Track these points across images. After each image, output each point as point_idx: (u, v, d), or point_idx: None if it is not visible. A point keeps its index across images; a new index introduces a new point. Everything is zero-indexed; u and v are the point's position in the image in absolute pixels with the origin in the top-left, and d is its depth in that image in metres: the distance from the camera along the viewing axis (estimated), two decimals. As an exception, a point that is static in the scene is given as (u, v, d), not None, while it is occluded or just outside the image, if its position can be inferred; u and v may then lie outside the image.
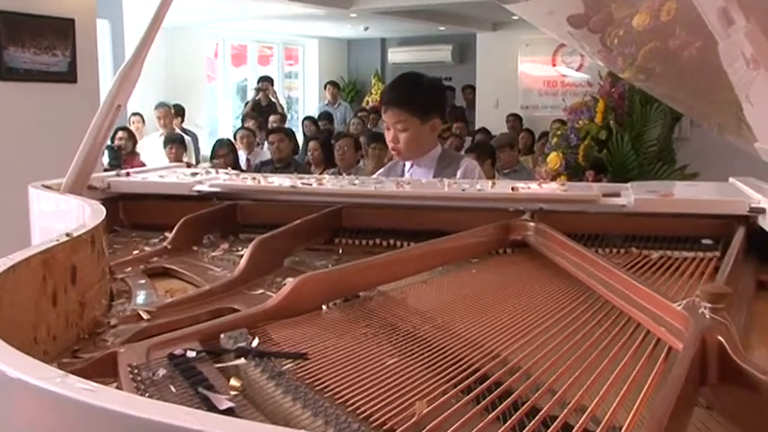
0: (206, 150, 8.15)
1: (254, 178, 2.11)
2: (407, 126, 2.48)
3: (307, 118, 10.21)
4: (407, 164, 2.63)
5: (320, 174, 5.92)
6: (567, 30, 3.09)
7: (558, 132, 4.47)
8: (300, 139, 9.20)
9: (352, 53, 13.65)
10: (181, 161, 6.24)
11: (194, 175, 2.21)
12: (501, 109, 10.65)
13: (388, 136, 2.54)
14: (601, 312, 1.19)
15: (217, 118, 11.40)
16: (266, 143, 6.97)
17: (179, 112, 8.27)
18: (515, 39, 10.68)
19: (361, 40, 13.10)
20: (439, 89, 2.78)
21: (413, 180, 2.18)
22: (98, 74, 5.13)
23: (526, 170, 5.91)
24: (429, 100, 2.56)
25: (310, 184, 1.97)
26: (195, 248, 1.71)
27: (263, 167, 6.17)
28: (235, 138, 7.65)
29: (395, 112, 2.48)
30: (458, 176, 2.41)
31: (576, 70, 10.36)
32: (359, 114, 10.18)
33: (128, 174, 2.15)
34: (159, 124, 7.78)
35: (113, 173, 2.16)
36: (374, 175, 2.77)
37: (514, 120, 10.06)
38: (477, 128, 9.64)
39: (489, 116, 10.35)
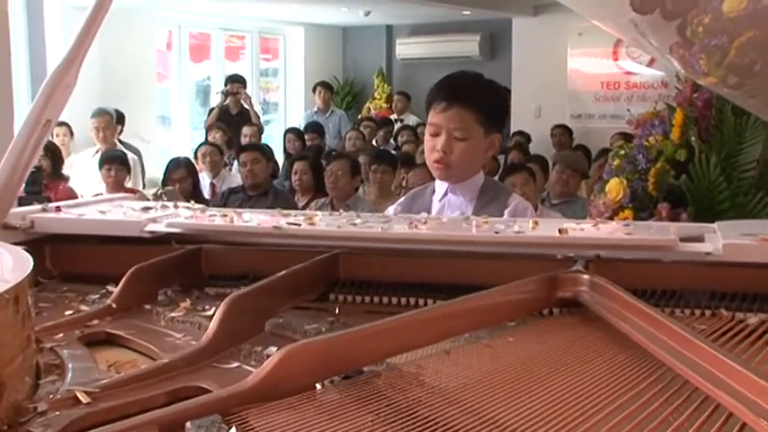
0: (156, 172, 8.17)
1: (225, 215, 2.13)
2: (469, 135, 2.51)
3: (289, 130, 10.26)
4: (439, 191, 2.62)
5: (307, 203, 5.98)
6: (631, 17, 3.13)
7: (622, 151, 4.48)
8: (280, 158, 9.26)
9: (349, 45, 13.73)
10: (122, 187, 6.28)
11: (146, 210, 2.22)
12: (544, 118, 10.66)
13: (434, 143, 2.53)
14: (679, 396, 1.20)
15: (170, 129, 11.46)
16: (236, 163, 7.01)
17: (117, 119, 8.25)
18: (564, 26, 10.56)
19: (360, 27, 13.19)
20: (506, 99, 2.81)
21: (430, 218, 2.18)
22: (10, 70, 5.07)
23: (581, 201, 5.87)
24: (498, 109, 2.62)
25: (299, 224, 1.99)
26: (148, 307, 1.72)
27: (231, 196, 6.20)
28: (195, 156, 7.69)
29: (460, 113, 2.50)
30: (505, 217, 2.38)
31: (647, 65, 10.11)
32: (358, 126, 10.23)
33: (58, 208, 2.16)
34: (97, 138, 7.72)
35: (38, 207, 2.15)
36: (390, 208, 2.75)
37: (562, 133, 10.01)
38: (510, 143, 9.50)
39: (529, 127, 10.23)
